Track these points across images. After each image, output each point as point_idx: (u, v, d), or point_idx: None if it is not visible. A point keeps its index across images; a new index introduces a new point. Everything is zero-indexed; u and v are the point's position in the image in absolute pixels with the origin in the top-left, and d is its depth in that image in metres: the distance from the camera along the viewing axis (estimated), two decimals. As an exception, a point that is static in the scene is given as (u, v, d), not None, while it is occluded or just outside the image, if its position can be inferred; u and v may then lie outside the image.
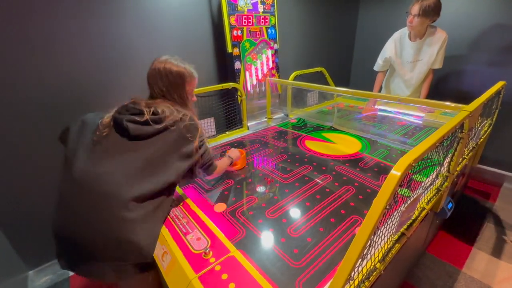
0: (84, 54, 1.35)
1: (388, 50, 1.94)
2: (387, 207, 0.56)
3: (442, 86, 2.33)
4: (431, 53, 1.79)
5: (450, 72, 2.27)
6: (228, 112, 1.88)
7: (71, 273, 1.57)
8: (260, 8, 1.85)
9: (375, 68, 2.07)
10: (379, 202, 0.56)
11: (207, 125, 1.69)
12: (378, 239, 0.70)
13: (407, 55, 1.88)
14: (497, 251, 1.57)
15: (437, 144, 0.71)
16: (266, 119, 2.06)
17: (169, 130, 0.89)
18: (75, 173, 0.79)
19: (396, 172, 0.57)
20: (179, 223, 0.94)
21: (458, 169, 1.19)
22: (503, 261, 1.50)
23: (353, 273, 0.58)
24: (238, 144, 1.67)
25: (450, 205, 1.29)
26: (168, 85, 0.98)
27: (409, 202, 0.79)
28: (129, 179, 0.80)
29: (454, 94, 2.32)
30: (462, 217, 1.84)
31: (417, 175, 0.98)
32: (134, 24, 1.48)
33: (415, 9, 1.67)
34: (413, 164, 0.60)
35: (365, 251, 0.64)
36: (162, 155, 0.87)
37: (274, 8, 1.94)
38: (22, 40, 1.18)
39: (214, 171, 1.09)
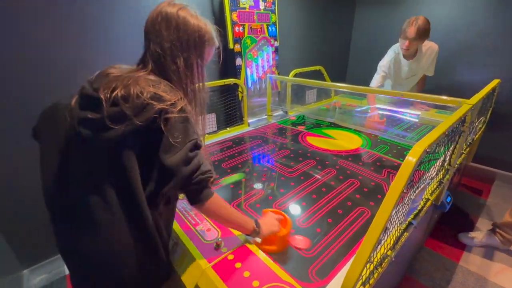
0: (78, 46, 1.32)
1: (386, 69, 1.92)
2: (404, 191, 0.58)
3: (436, 88, 2.40)
4: (425, 66, 1.88)
5: (442, 77, 2.34)
6: (229, 108, 1.87)
7: (67, 272, 1.53)
8: (262, 5, 1.86)
9: (373, 84, 1.96)
10: (397, 187, 0.57)
11: (208, 121, 1.68)
12: (390, 226, 0.72)
13: (403, 73, 1.92)
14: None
15: (446, 133, 0.73)
16: (266, 116, 2.06)
17: (137, 132, 0.54)
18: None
19: (411, 158, 0.58)
20: (187, 215, 0.93)
21: (458, 162, 1.22)
22: (497, 255, 1.54)
23: (371, 256, 0.58)
24: (239, 140, 1.66)
25: (449, 198, 1.33)
26: (175, 43, 0.63)
27: (417, 191, 0.80)
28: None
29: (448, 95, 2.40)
30: (457, 213, 1.89)
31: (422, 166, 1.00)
32: (132, 18, 1.45)
33: (411, 32, 1.62)
34: (427, 150, 0.61)
35: (381, 235, 0.65)
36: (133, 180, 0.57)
37: (275, 6, 1.95)
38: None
39: (207, 202, 0.65)
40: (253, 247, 0.78)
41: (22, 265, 1.43)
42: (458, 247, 1.61)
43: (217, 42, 0.71)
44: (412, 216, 0.88)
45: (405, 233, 0.82)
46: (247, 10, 1.78)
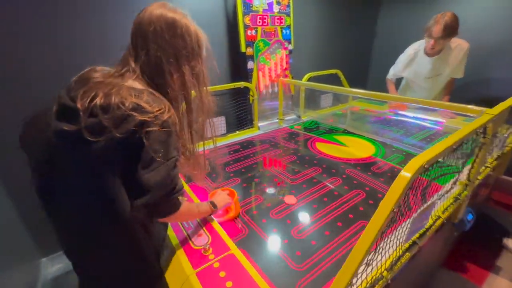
0: (101, 49, 1.39)
1: (401, 67, 1.84)
2: (395, 210, 0.53)
3: (464, 93, 2.21)
4: (453, 66, 1.70)
5: (473, 79, 2.15)
6: (240, 111, 1.87)
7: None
8: (276, 8, 1.84)
9: (387, 76, 2.00)
10: (386, 205, 0.53)
11: (218, 124, 1.69)
12: (386, 246, 0.66)
13: (424, 71, 1.77)
14: (523, 269, 1.45)
15: (454, 147, 0.66)
16: (277, 120, 2.04)
17: (118, 145, 0.52)
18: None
19: (406, 174, 0.53)
20: (182, 218, 0.93)
21: (480, 177, 1.11)
22: (530, 281, 1.37)
23: (355, 279, 0.54)
24: (247, 143, 1.65)
25: (470, 216, 1.21)
26: (183, 51, 0.62)
27: (421, 208, 0.73)
28: None
29: (477, 102, 2.19)
30: (485, 231, 1.71)
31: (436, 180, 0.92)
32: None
33: (437, 31, 1.51)
34: (425, 166, 0.56)
35: (370, 256, 0.60)
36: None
37: (290, 9, 1.92)
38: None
39: (176, 213, 0.66)
40: (241, 257, 0.76)
41: (41, 253, 1.54)
42: (483, 267, 1.46)
43: (210, 48, 0.71)
44: (417, 234, 0.80)
45: (406, 253, 0.75)
46: (260, 13, 1.77)
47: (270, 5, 1.81)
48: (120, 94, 0.52)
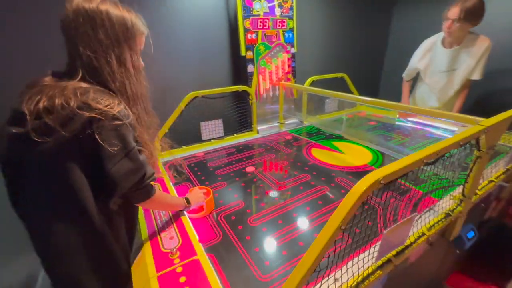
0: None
1: (416, 59, 1.78)
2: (342, 227, 0.50)
3: (483, 100, 2.06)
4: (470, 62, 1.58)
5: (493, 85, 1.99)
6: (239, 114, 1.88)
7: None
8: (277, 11, 1.83)
9: (403, 74, 1.92)
10: (333, 222, 0.50)
11: (214, 127, 1.70)
12: (352, 264, 0.64)
13: (440, 63, 1.67)
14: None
15: (425, 161, 0.61)
16: (278, 123, 2.02)
17: (70, 144, 0.54)
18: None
19: (358, 188, 0.51)
20: (159, 219, 0.95)
21: (480, 193, 1.02)
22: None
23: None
24: (243, 147, 1.65)
25: (471, 234, 1.12)
26: (105, 41, 0.59)
27: (395, 225, 0.69)
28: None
29: (496, 110, 2.02)
30: (500, 250, 1.57)
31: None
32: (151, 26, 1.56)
33: (454, 12, 1.46)
34: (381, 182, 0.52)
35: (335, 274, 0.58)
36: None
37: (293, 12, 1.90)
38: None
39: (149, 200, 0.71)
40: (205, 263, 0.76)
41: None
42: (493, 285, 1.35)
43: (144, 29, 0.69)
44: (394, 252, 0.76)
45: (378, 271, 0.71)
46: (261, 17, 1.77)
47: (271, 8, 1.80)
48: (64, 94, 0.53)
